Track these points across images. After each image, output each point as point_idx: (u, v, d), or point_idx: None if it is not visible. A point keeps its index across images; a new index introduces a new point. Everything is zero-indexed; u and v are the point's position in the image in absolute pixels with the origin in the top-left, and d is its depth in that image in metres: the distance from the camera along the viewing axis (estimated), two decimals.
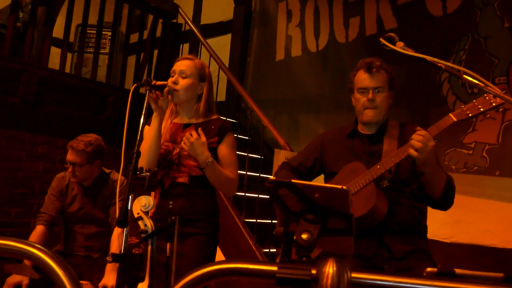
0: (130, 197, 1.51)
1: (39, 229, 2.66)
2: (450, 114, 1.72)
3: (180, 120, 2.18)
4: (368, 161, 1.91)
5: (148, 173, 1.64)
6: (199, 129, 1.95)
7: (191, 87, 2.10)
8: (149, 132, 2.03)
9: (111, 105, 4.22)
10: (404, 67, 3.72)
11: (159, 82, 1.99)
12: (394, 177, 1.87)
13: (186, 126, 2.14)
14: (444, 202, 1.83)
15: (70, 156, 2.63)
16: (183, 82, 2.08)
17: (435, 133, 1.71)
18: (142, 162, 1.94)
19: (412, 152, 1.69)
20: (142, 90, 2.00)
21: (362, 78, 1.96)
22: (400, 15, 4.05)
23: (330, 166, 2.04)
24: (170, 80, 2.07)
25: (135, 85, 1.86)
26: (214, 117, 2.18)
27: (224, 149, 2.09)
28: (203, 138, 1.95)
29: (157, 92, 1.98)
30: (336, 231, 0.97)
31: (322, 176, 2.14)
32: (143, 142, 2.02)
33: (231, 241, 3.47)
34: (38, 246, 0.70)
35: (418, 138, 1.68)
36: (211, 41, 5.10)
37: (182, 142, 1.95)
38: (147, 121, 2.10)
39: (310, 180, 2.14)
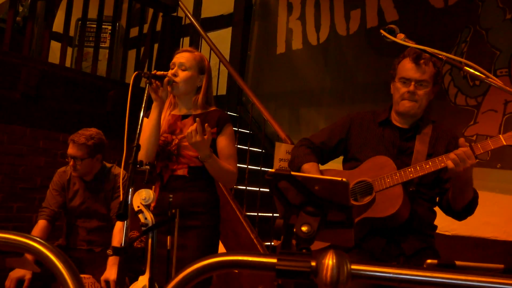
0: (130, 190, 1.51)
1: (41, 223, 2.66)
2: (500, 136, 1.62)
3: (178, 111, 2.18)
4: (395, 157, 1.84)
5: (148, 167, 1.64)
6: (206, 125, 1.91)
7: (190, 80, 2.10)
8: (148, 123, 2.02)
9: (112, 99, 4.22)
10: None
11: (159, 72, 1.99)
12: (419, 180, 1.81)
13: (184, 117, 2.14)
14: (462, 215, 1.79)
15: (71, 150, 2.63)
16: (182, 75, 2.08)
17: (480, 151, 1.62)
18: (141, 153, 1.93)
19: (451, 164, 1.61)
20: (142, 84, 1.99)
21: (408, 67, 1.83)
22: (401, 7, 4.02)
23: (354, 151, 1.95)
24: (170, 72, 2.07)
25: (136, 72, 1.86)
26: (213, 108, 2.17)
27: (223, 141, 2.09)
28: (207, 137, 1.90)
29: (157, 82, 1.98)
30: (336, 224, 0.97)
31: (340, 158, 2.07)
32: (142, 134, 2.01)
33: (232, 234, 3.48)
34: (39, 239, 0.70)
35: (459, 153, 1.61)
36: (212, 35, 5.08)
37: (186, 134, 1.92)
38: (146, 114, 2.09)
39: (329, 160, 2.08)
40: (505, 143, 1.60)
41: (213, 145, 2.05)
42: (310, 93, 4.77)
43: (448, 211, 1.83)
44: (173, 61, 2.12)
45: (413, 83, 1.82)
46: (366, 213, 1.79)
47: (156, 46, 4.88)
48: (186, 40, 5.37)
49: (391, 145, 1.88)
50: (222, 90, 5.26)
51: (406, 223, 1.77)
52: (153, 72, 1.96)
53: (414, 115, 1.88)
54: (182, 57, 2.11)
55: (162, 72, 2.01)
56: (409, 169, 1.74)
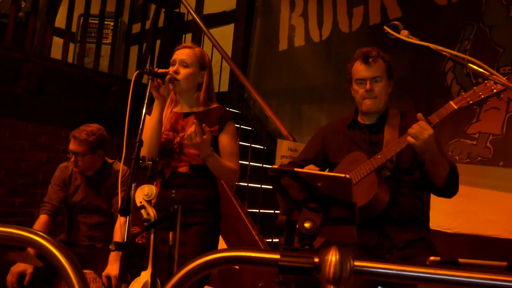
0: (132, 186, 1.51)
1: (42, 218, 2.67)
2: (450, 102, 1.71)
3: (180, 109, 2.18)
4: (369, 151, 1.91)
5: (150, 162, 1.64)
6: (204, 125, 1.91)
7: (192, 76, 2.09)
8: (150, 121, 2.02)
9: (114, 95, 4.22)
10: (407, 58, 3.69)
11: (160, 70, 1.99)
12: (395, 166, 1.87)
13: (186, 115, 2.13)
14: (448, 190, 1.82)
15: (72, 146, 2.63)
16: (184, 72, 2.07)
17: (436, 121, 1.70)
18: (143, 151, 1.94)
19: (410, 139, 1.69)
20: (144, 80, 2.00)
21: (359, 69, 1.96)
22: (405, 4, 4.01)
23: (332, 158, 2.05)
24: (171, 69, 2.06)
25: (137, 72, 1.87)
26: (215, 105, 2.17)
27: (225, 138, 2.09)
28: (206, 137, 1.90)
29: (158, 80, 1.98)
30: (339, 220, 0.97)
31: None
32: (144, 132, 2.01)
33: (234, 231, 3.48)
34: (42, 234, 0.71)
35: (415, 126, 1.69)
36: (214, 31, 5.07)
37: (186, 136, 1.91)
38: (148, 111, 2.10)
39: None
40: (456, 107, 1.68)
41: (215, 143, 2.05)
42: (312, 90, 4.77)
43: (436, 191, 1.87)
44: (173, 58, 2.11)
45: (368, 81, 1.93)
46: None
47: (158, 42, 4.88)
48: (188, 36, 5.37)
49: (362, 142, 1.97)
50: (224, 87, 5.25)
51: (392, 213, 1.82)
52: (154, 70, 1.96)
53: (377, 110, 1.97)
54: (182, 54, 2.10)
55: (163, 69, 2.01)
56: (378, 156, 1.83)
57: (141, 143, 1.68)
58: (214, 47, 4.52)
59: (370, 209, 1.79)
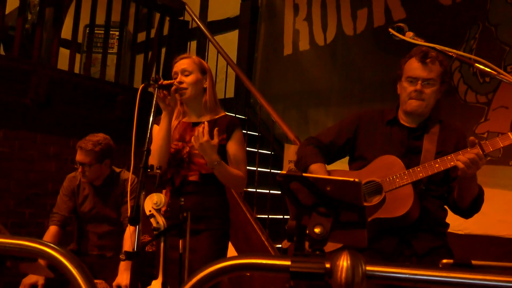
0: (141, 194, 1.52)
1: (52, 229, 2.68)
2: (509, 134, 1.63)
3: (188, 119, 2.22)
4: (404, 155, 1.83)
5: (159, 171, 1.65)
6: (215, 130, 1.96)
7: (196, 82, 2.15)
8: (159, 132, 2.05)
9: (121, 104, 4.24)
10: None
11: (166, 82, 2.01)
12: (429, 178, 1.80)
13: (195, 124, 2.16)
14: (468, 213, 1.79)
15: (79, 156, 2.65)
16: (188, 79, 2.13)
17: (489, 150, 1.63)
18: (153, 161, 1.99)
19: (461, 166, 1.61)
20: (151, 88, 2.01)
21: (414, 66, 1.85)
22: (409, 5, 4.01)
23: (362, 150, 1.95)
24: (175, 81, 2.10)
25: (142, 85, 1.88)
26: (222, 114, 2.21)
27: (233, 146, 2.11)
28: (215, 141, 1.96)
29: (164, 91, 2.00)
30: (349, 224, 0.96)
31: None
32: (154, 143, 2.04)
33: (243, 237, 3.48)
34: (52, 245, 0.71)
35: (472, 157, 1.60)
36: (219, 38, 5.10)
37: (193, 138, 1.97)
38: (156, 121, 2.12)
39: (336, 160, 2.08)
40: None
41: (223, 152, 2.07)
42: (318, 93, 4.76)
43: (455, 209, 1.83)
44: (174, 70, 2.17)
45: (419, 82, 1.83)
46: (376, 214, 1.78)
47: (163, 50, 4.90)
48: (193, 43, 5.39)
49: (399, 144, 1.88)
50: (230, 93, 5.26)
51: (416, 221, 1.76)
52: (159, 82, 1.98)
53: (422, 114, 1.88)
54: (182, 64, 2.16)
55: (168, 81, 2.03)
56: (418, 169, 1.74)
57: (148, 151, 1.70)
58: (219, 54, 4.54)
59: (399, 222, 1.73)
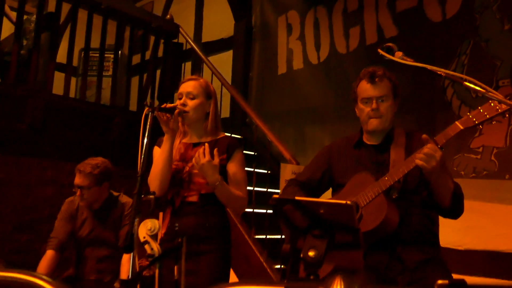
0: (135, 221, 1.52)
1: (49, 254, 2.67)
2: (456, 122, 1.72)
3: (189, 139, 2.23)
4: (375, 172, 1.90)
5: (152, 196, 1.65)
6: (215, 150, 1.98)
7: (200, 107, 2.15)
8: (160, 155, 2.06)
9: (117, 126, 4.25)
10: (407, 73, 3.72)
11: (169, 105, 2.04)
12: (403, 186, 1.85)
13: (195, 145, 2.18)
14: (453, 210, 1.80)
15: (78, 180, 2.65)
16: (192, 103, 2.13)
17: (442, 142, 1.71)
18: (154, 185, 2.01)
19: (419, 162, 1.68)
20: (155, 112, 2.04)
21: (365, 88, 1.95)
22: (400, 22, 4.06)
23: (337, 179, 2.03)
24: (178, 103, 2.11)
25: (146, 109, 1.89)
26: (222, 135, 2.23)
27: (233, 167, 2.12)
28: (216, 161, 1.97)
29: (167, 114, 2.02)
30: (344, 246, 0.97)
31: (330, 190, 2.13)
32: (155, 165, 2.06)
33: (242, 258, 3.45)
34: (45, 277, 0.71)
35: (424, 149, 1.68)
36: (213, 58, 5.15)
37: (194, 159, 1.98)
38: (157, 143, 2.15)
39: (320, 194, 2.14)
40: (462, 127, 1.70)
41: (223, 172, 2.08)
42: (314, 111, 4.79)
43: (441, 212, 1.86)
44: (179, 91, 2.17)
45: (374, 100, 1.92)
46: None
47: (158, 71, 4.94)
48: (188, 64, 5.43)
49: (368, 162, 1.95)
50: (225, 113, 5.29)
51: (402, 234, 1.80)
52: (162, 106, 2.00)
53: (383, 130, 1.96)
54: (188, 86, 2.16)
55: (171, 104, 2.06)
56: (385, 178, 1.81)
57: (142, 177, 1.69)
58: (213, 74, 4.58)
59: (380, 231, 1.77)
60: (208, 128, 2.18)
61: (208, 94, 2.19)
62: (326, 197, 2.11)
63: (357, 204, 1.84)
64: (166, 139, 2.07)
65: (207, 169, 1.95)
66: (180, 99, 2.15)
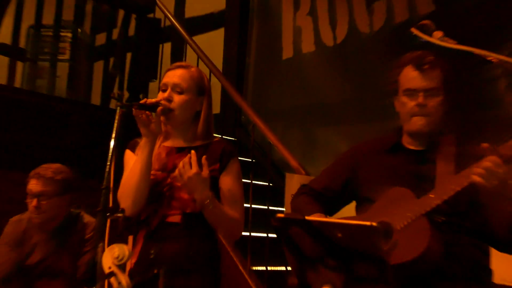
0: (99, 246, 1.52)
1: None
2: None
3: (171, 143, 2.18)
4: (415, 186, 1.85)
5: (120, 214, 1.64)
6: (203, 159, 1.95)
7: (188, 104, 2.11)
8: (136, 164, 2.02)
9: (76, 125, 4.25)
10: (447, 61, 3.72)
11: (150, 100, 2.01)
12: (451, 208, 1.80)
13: (180, 150, 2.14)
14: (510, 243, 1.79)
15: (35, 186, 2.65)
16: (179, 99, 2.08)
17: (509, 154, 1.64)
18: (126, 202, 1.96)
19: (477, 179, 1.64)
20: (113, 105, 2.02)
21: (411, 76, 1.91)
22: None
23: (365, 191, 1.99)
24: (161, 96, 2.08)
25: (119, 108, 1.85)
26: (215, 139, 2.20)
27: (227, 180, 2.10)
28: (205, 172, 1.93)
29: (147, 112, 1.99)
30: (367, 282, 0.97)
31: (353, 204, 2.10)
32: (128, 177, 2.02)
33: None
34: None
35: (485, 163, 1.63)
36: (200, 39, 5.15)
37: (177, 170, 1.94)
38: (129, 146, 2.14)
39: (339, 208, 2.13)
40: None
41: (214, 186, 2.06)
42: (327, 108, 4.80)
43: (495, 243, 1.83)
44: (164, 81, 2.13)
45: (421, 93, 1.88)
46: (391, 261, 1.79)
47: (129, 55, 4.95)
48: (167, 46, 5.45)
49: (407, 173, 1.93)
50: (215, 109, 5.28)
51: (446, 268, 1.76)
52: (142, 102, 1.98)
53: (430, 133, 1.93)
54: (176, 76, 2.12)
55: (153, 99, 2.03)
56: (431, 195, 1.76)
57: (108, 189, 1.69)
58: (199, 59, 4.58)
59: (420, 264, 1.74)
60: (199, 131, 2.15)
61: (200, 88, 2.16)
62: (345, 214, 2.11)
63: (390, 227, 1.81)
64: (144, 144, 2.03)
65: (195, 184, 1.92)
66: (163, 91, 2.11)
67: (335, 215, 2.12)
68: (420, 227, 1.74)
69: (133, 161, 2.09)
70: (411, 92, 1.91)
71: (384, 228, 1.84)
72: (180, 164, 1.92)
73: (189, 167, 1.89)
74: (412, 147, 1.98)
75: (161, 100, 2.04)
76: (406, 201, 1.81)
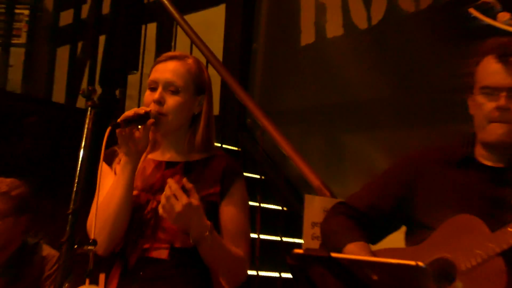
0: (64, 287, 1.52)
1: None
2: None
3: (160, 155, 2.18)
4: (489, 214, 1.84)
5: (92, 246, 1.64)
6: (184, 181, 1.91)
7: (185, 107, 2.10)
8: (114, 189, 2.02)
9: (33, 129, 4.27)
10: None
11: (138, 110, 1.97)
12: None
13: (170, 165, 2.14)
14: None
15: None
16: (173, 102, 2.05)
17: None
18: (100, 237, 1.91)
19: None
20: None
21: (491, 70, 1.89)
22: None
23: (422, 215, 1.98)
24: (149, 97, 2.07)
25: (110, 127, 1.85)
26: (217, 152, 2.20)
27: (230, 208, 2.09)
28: (195, 199, 1.90)
29: (133, 127, 1.97)
30: None
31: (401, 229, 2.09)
32: (104, 203, 2.00)
33: None
34: None
35: None
36: (193, 18, 5.17)
37: (160, 207, 1.91)
38: (106, 157, 2.10)
39: (385, 235, 2.12)
40: None
41: (213, 212, 2.07)
42: (358, 109, 4.80)
43: None
44: (153, 77, 2.11)
45: (503, 94, 1.86)
46: None
47: (102, 38, 4.95)
48: (152, 27, 5.45)
49: (479, 197, 1.90)
50: (214, 109, 5.29)
51: None
52: (129, 113, 1.95)
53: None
54: (169, 71, 2.11)
55: (144, 108, 2.00)
56: (510, 228, 1.74)
57: (75, 214, 1.69)
58: (193, 44, 4.59)
59: None
60: (197, 142, 2.12)
61: (199, 85, 2.14)
62: (392, 244, 2.10)
63: (452, 267, 1.81)
64: (125, 164, 2.03)
65: (188, 219, 1.90)
66: (152, 90, 2.10)
67: (379, 244, 2.10)
68: (494, 269, 1.73)
69: (109, 178, 2.08)
70: (491, 91, 1.88)
71: (442, 268, 1.83)
72: (163, 200, 1.88)
73: (175, 199, 1.86)
74: (488, 163, 1.96)
75: (150, 109, 2.01)
76: (476, 234, 1.79)
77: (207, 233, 1.92)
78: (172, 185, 1.86)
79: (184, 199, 1.86)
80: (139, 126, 1.99)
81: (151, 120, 1.99)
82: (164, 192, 1.89)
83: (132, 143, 2.00)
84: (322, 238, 2.12)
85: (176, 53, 2.23)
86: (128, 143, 1.99)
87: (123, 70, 4.64)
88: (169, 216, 1.89)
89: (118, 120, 1.92)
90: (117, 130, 1.93)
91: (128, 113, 1.97)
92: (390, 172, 2.13)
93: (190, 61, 2.16)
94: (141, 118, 1.98)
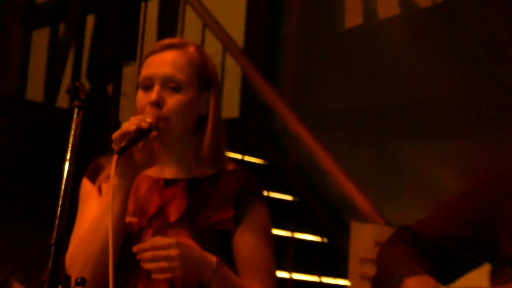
0: None
1: None
2: None
3: (158, 170, 2.18)
4: None
5: (79, 287, 1.66)
6: (164, 242, 1.90)
7: (190, 107, 2.10)
8: (104, 215, 2.02)
9: (1, 134, 4.31)
10: None
11: (142, 121, 1.96)
12: None
13: (170, 183, 2.16)
14: None
15: None
16: (174, 101, 2.05)
17: None
18: (84, 273, 1.93)
19: None
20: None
21: None
22: None
23: (508, 247, 1.97)
24: (142, 100, 2.07)
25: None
26: (228, 166, 2.19)
27: (247, 237, 2.09)
28: (183, 237, 1.90)
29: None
30: None
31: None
32: (89, 234, 2.02)
33: None
34: None
35: None
36: None
37: (153, 267, 1.91)
38: (86, 174, 2.13)
39: (462, 272, 2.12)
40: None
41: (224, 243, 2.09)
42: (419, 111, 4.80)
43: None
44: (147, 72, 2.11)
45: None
46: None
47: (89, 19, 5.00)
48: (153, 5, 5.49)
49: None
50: (232, 110, 5.32)
51: None
52: (133, 129, 1.93)
53: None
54: (166, 64, 2.12)
55: (142, 119, 1.98)
56: None
57: (59, 246, 1.70)
58: (206, 28, 4.62)
59: None
60: (204, 150, 2.12)
61: (204, 78, 2.16)
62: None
63: None
64: (118, 186, 2.04)
65: (188, 266, 1.88)
66: (146, 88, 2.11)
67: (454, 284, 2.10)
68: None
69: (93, 199, 2.11)
70: None
71: None
72: (152, 265, 1.90)
73: (164, 253, 1.86)
74: None
75: (150, 120, 2.00)
76: None
77: (215, 266, 1.92)
78: (155, 242, 1.86)
79: (167, 239, 1.87)
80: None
81: (154, 134, 1.99)
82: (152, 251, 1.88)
83: (131, 165, 2.01)
84: (379, 267, 2.10)
85: (174, 40, 2.20)
86: (124, 166, 1.99)
87: (117, 60, 4.66)
88: (159, 275, 1.90)
89: (122, 143, 1.90)
90: (115, 156, 1.92)
91: (128, 128, 1.93)
92: (466, 195, 2.13)
93: (191, 49, 2.15)
94: (143, 134, 1.96)
